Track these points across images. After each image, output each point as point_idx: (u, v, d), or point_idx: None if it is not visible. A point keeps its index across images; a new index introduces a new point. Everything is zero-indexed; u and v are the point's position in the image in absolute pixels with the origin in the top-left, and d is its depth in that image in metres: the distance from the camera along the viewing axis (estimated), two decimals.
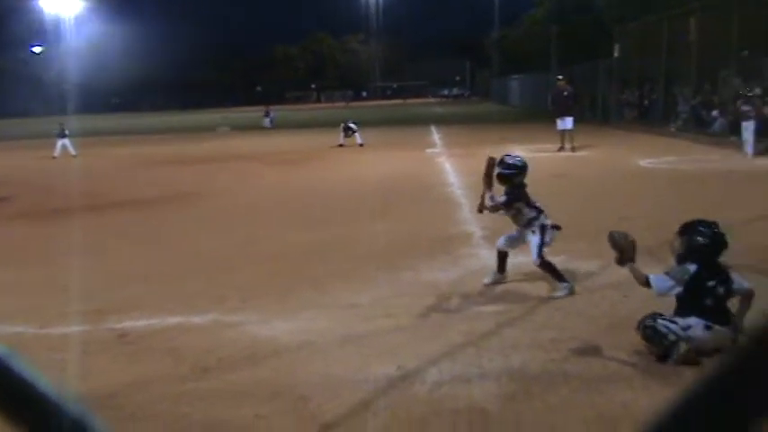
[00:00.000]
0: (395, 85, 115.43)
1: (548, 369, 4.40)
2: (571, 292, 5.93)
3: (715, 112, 21.05)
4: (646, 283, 4.64)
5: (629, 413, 3.74)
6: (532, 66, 49.00)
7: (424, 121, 36.46)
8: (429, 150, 20.48)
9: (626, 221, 8.71)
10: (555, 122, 19.17)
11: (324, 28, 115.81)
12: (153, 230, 10.19)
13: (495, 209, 6.33)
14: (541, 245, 6.11)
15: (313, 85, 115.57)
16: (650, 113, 26.59)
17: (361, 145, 21.87)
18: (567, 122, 18.77)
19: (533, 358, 4.58)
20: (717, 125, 20.32)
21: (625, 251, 4.73)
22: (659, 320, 4.52)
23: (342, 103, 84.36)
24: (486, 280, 6.37)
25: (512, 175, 6.33)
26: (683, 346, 4.39)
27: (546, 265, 6.10)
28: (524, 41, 53.41)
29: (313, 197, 12.68)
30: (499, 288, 6.24)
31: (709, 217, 4.75)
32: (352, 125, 22.78)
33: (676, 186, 12.04)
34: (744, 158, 15.56)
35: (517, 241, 6.40)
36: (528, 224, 6.20)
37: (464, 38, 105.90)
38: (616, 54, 29.25)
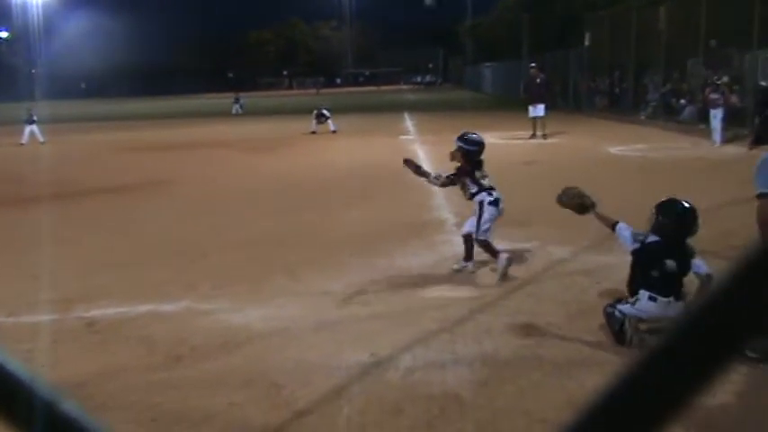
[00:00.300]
0: (367, 72, 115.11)
1: (520, 354, 4.43)
2: (509, 263, 6.09)
3: (684, 101, 21.31)
4: (613, 227, 4.98)
5: None
6: (505, 53, 49.14)
7: (396, 108, 36.41)
8: (402, 137, 20.46)
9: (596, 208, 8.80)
10: (527, 110, 19.29)
11: (296, 14, 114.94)
12: (123, 218, 10.07)
13: (443, 185, 6.71)
14: (479, 221, 6.24)
15: (285, 72, 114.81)
16: (621, 101, 26.85)
17: (334, 132, 21.79)
18: (539, 110, 18.90)
19: (506, 343, 4.61)
20: (686, 113, 20.58)
21: (576, 204, 5.00)
22: (617, 305, 4.62)
23: (313, 90, 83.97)
24: (456, 266, 6.43)
25: (474, 152, 6.58)
26: (628, 322, 4.50)
27: (481, 243, 6.24)
28: (497, 29, 53.50)
29: (285, 184, 12.61)
30: (472, 274, 6.26)
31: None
32: (324, 112, 22.67)
33: (646, 173, 12.17)
34: (712, 146, 15.78)
35: None
36: (470, 198, 6.42)
37: (437, 25, 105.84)
38: (587, 42, 29.45)
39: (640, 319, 4.53)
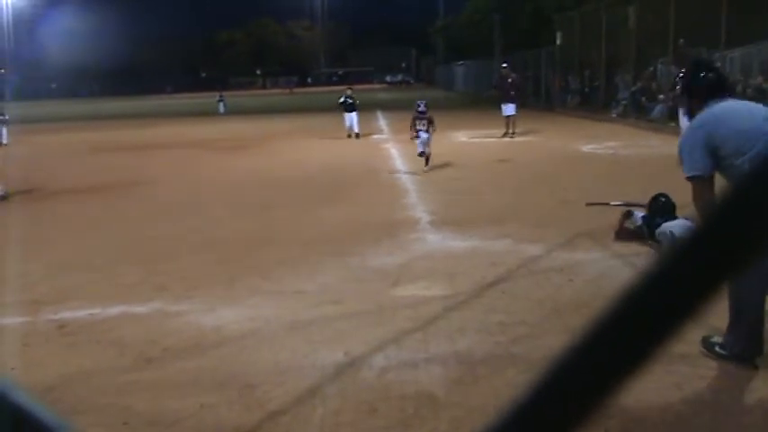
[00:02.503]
0: (340, 72, 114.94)
1: (494, 352, 4.45)
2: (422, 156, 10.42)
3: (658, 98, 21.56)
4: None
5: None
6: (476, 53, 49.36)
7: (369, 107, 36.39)
8: (375, 136, 20.46)
9: (568, 205, 8.87)
10: (500, 108, 19.43)
11: (268, 13, 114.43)
12: (93, 219, 9.94)
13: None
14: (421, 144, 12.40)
15: (258, 71, 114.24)
16: (592, 100, 27.09)
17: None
18: (509, 108, 19.04)
19: (480, 342, 4.62)
20: (656, 111, 20.80)
21: None
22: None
23: (286, 90, 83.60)
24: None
25: (425, 112, 12.74)
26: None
27: (422, 155, 12.43)
28: (468, 29, 53.70)
29: (258, 183, 12.54)
30: (446, 273, 6.27)
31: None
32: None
33: (617, 171, 12.29)
34: None
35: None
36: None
37: (409, 25, 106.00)
38: (558, 42, 29.67)
39: None
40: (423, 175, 12.28)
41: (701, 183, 3.91)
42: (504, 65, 21.40)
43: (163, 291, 6.06)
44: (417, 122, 12.69)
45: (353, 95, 20.26)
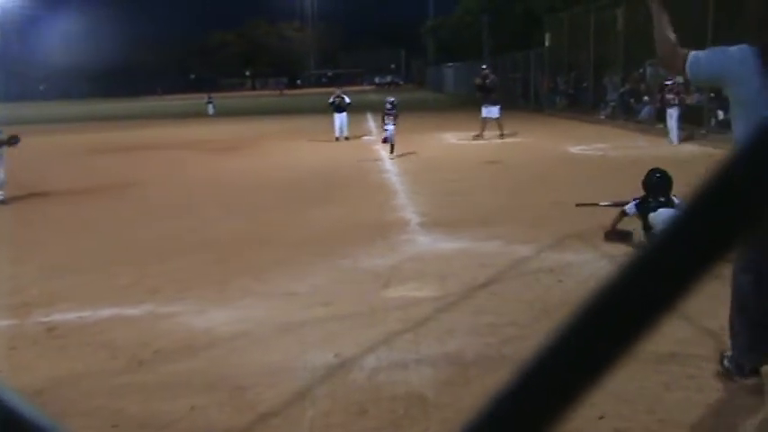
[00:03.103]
0: (330, 73, 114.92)
1: (485, 353, 4.47)
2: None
3: (643, 100, 21.66)
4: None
5: None
6: (466, 54, 49.47)
7: (359, 108, 36.38)
8: (365, 138, 20.46)
9: (558, 206, 8.91)
10: (481, 110, 19.57)
11: (259, 15, 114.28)
12: (84, 221, 9.91)
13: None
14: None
15: (248, 73, 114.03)
16: (581, 101, 27.20)
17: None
18: (492, 111, 19.13)
19: (470, 343, 4.64)
20: (644, 113, 20.92)
21: None
22: None
23: (276, 91, 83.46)
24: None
25: (392, 109, 15.07)
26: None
27: (386, 141, 14.78)
28: (458, 30, 53.81)
29: (250, 185, 12.53)
30: (437, 275, 6.29)
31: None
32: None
33: (606, 172, 12.34)
34: (670, 145, 16.07)
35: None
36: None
37: (400, 26, 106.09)
38: (547, 43, 29.77)
39: None
40: (412, 175, 12.30)
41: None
42: (484, 66, 21.48)
43: (155, 292, 6.05)
44: (386, 118, 15.44)
45: (344, 95, 20.23)
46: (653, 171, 6.96)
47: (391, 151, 15.16)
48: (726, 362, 3.87)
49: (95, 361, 4.63)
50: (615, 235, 7.00)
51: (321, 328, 5.05)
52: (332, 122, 20.24)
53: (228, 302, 5.71)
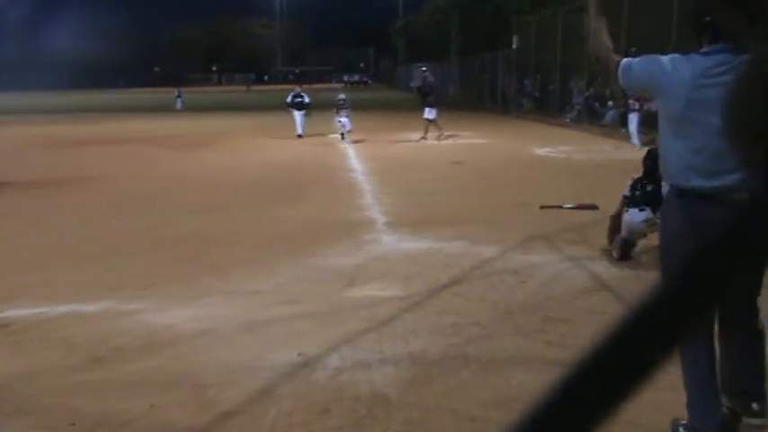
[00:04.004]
0: (297, 70, 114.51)
1: (448, 353, 4.48)
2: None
3: (608, 105, 21.95)
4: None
5: (525, 394, 3.85)
6: (435, 54, 49.62)
7: (326, 106, 36.29)
8: (332, 136, 20.42)
9: (523, 207, 8.98)
10: (441, 111, 19.69)
11: (227, 10, 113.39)
12: (45, 215, 9.71)
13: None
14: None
15: (214, 68, 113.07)
16: (547, 104, 27.47)
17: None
18: (431, 112, 19.14)
19: (434, 343, 4.64)
20: (608, 117, 21.20)
21: None
22: None
23: (243, 87, 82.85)
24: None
25: (344, 102, 17.76)
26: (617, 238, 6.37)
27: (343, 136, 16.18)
28: (427, 30, 53.96)
29: (215, 182, 12.42)
30: (402, 274, 6.29)
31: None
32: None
33: (570, 174, 12.48)
34: (633, 149, 16.29)
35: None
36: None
37: (369, 25, 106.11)
38: (515, 45, 30.00)
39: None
40: (379, 174, 12.31)
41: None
42: (424, 68, 21.64)
43: (115, 290, 5.95)
44: (340, 110, 18.95)
45: (303, 94, 20.49)
46: (653, 150, 6.46)
47: (342, 138, 18.57)
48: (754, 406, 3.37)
49: (52, 358, 4.53)
50: (619, 246, 6.57)
51: (285, 326, 5.02)
52: (293, 120, 20.31)
53: (191, 300, 5.65)
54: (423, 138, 18.85)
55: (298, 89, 20.66)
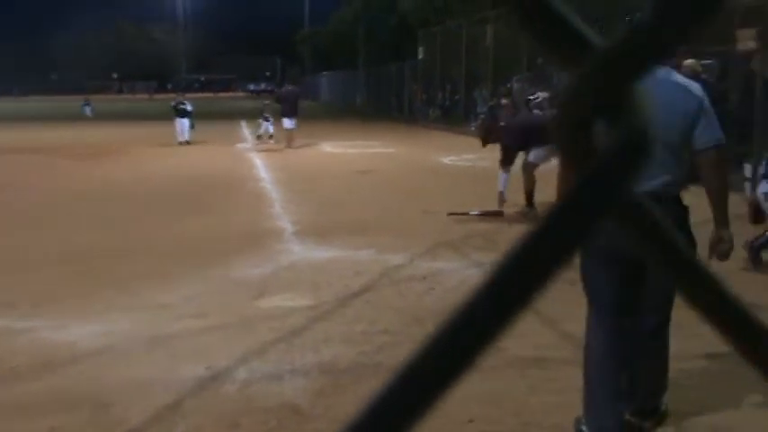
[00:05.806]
0: (202, 78, 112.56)
1: (359, 362, 4.50)
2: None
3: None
4: None
5: None
6: (342, 64, 49.83)
7: (233, 115, 35.83)
8: (239, 145, 20.19)
9: (430, 215, 9.12)
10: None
11: (126, 16, 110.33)
12: None
13: None
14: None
15: (115, 75, 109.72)
16: (452, 114, 28.01)
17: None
18: (291, 122, 19.20)
19: (344, 352, 4.66)
20: None
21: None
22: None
23: (146, 95, 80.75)
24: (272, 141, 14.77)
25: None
26: None
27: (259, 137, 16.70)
28: (334, 39, 54.11)
29: (117, 193, 12.02)
30: (311, 284, 6.28)
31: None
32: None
33: (474, 181, 12.75)
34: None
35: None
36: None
37: (275, 34, 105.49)
38: (420, 56, 30.47)
39: None
40: (286, 184, 12.24)
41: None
42: (285, 78, 21.88)
43: (9, 308, 5.68)
44: (265, 114, 20.54)
45: (185, 101, 20.86)
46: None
47: (270, 137, 20.21)
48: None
49: None
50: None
51: (192, 340, 4.92)
52: (174, 127, 20.52)
53: (91, 316, 5.45)
54: (287, 146, 18.83)
55: (179, 98, 21.29)
